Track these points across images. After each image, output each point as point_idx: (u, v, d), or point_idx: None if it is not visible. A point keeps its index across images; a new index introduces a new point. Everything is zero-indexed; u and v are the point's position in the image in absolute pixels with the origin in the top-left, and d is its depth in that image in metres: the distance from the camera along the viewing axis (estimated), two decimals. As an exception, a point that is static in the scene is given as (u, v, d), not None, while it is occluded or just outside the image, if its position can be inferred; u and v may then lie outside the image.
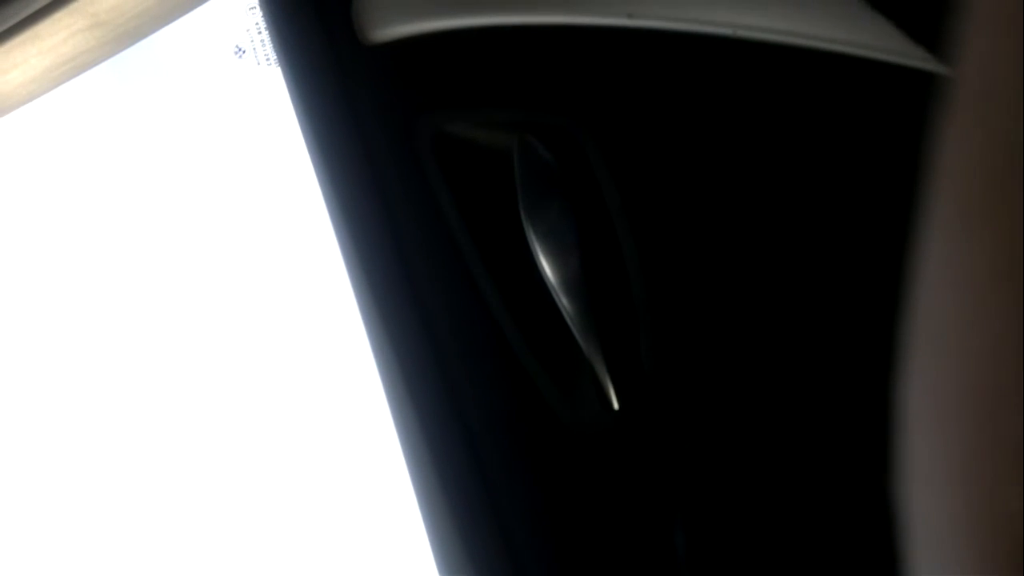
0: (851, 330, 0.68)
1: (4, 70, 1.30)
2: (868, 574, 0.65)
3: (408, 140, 0.80)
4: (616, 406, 0.74)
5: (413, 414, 0.77)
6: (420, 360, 0.78)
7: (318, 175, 0.83)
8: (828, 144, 0.69)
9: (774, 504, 0.71)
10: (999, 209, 0.20)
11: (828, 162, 0.69)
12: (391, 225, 0.79)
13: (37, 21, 1.23)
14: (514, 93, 0.78)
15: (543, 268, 0.76)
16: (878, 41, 0.55)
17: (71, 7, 1.21)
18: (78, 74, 1.36)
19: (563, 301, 0.75)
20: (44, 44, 1.27)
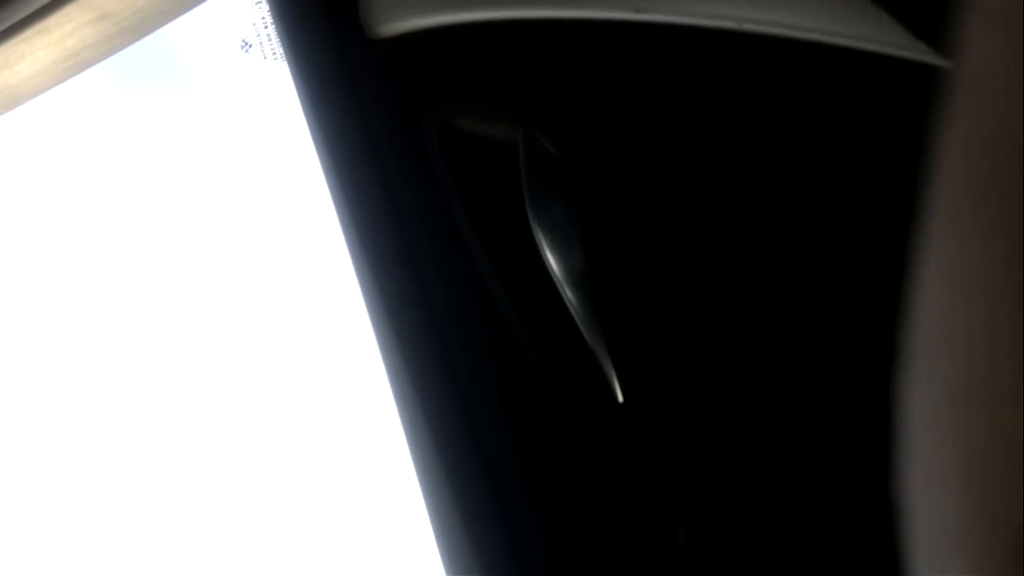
0: (852, 327, 0.68)
1: (11, 63, 1.31)
2: (868, 571, 0.65)
3: (413, 134, 0.80)
4: (621, 398, 0.74)
5: (416, 403, 0.77)
6: (425, 351, 0.78)
7: (324, 168, 0.83)
8: (832, 138, 0.68)
9: (775, 499, 0.71)
10: (1000, 206, 0.20)
11: (831, 156, 0.69)
12: (396, 218, 0.79)
13: (44, 15, 1.23)
14: (519, 87, 0.78)
15: (548, 261, 0.76)
16: (882, 35, 0.55)
17: (78, 1, 1.21)
18: (85, 68, 1.36)
19: (568, 294, 0.75)
20: (51, 37, 1.27)
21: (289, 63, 0.86)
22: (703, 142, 0.72)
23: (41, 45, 1.27)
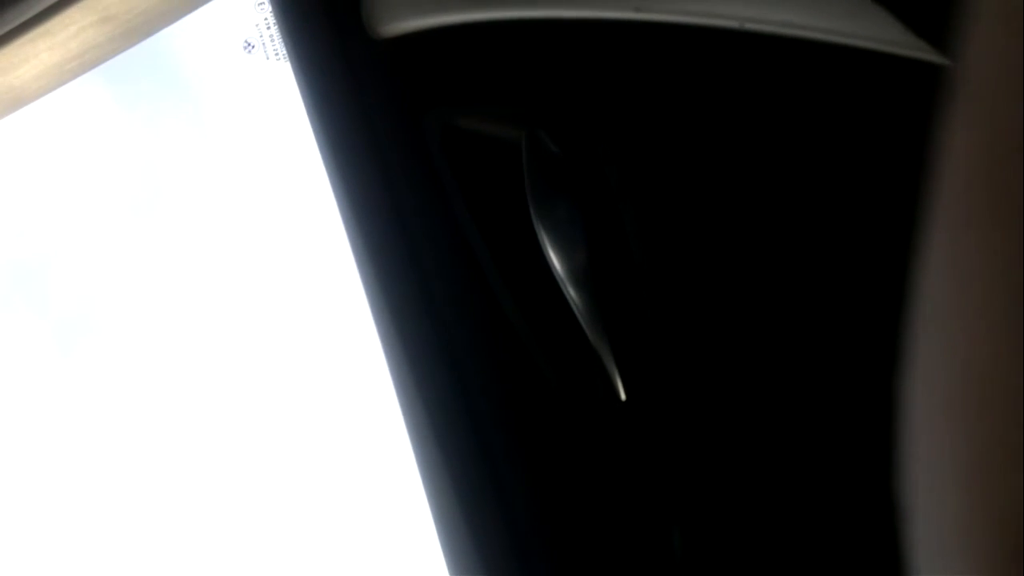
0: (853, 327, 0.68)
1: (14, 65, 1.31)
2: (870, 571, 0.65)
3: (417, 134, 0.80)
4: (623, 397, 0.75)
5: (419, 401, 0.77)
6: (428, 350, 0.78)
7: (327, 169, 0.83)
8: (833, 137, 0.68)
9: (776, 498, 0.71)
10: (1001, 205, 0.20)
11: (833, 155, 0.69)
12: (400, 218, 0.80)
13: (47, 17, 1.23)
14: (522, 87, 0.78)
15: (551, 260, 0.76)
16: (884, 34, 0.55)
17: (81, 4, 1.21)
18: (88, 70, 1.36)
19: (571, 293, 0.75)
20: (54, 39, 1.27)
21: (292, 64, 0.86)
22: (705, 142, 0.72)
23: (44, 47, 1.28)
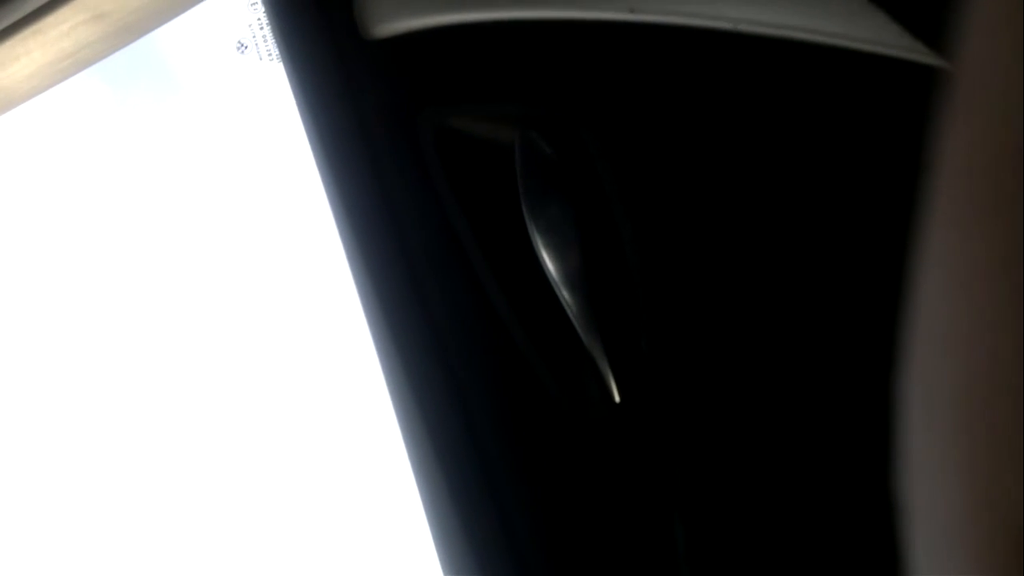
0: (852, 325, 0.68)
1: (6, 65, 1.30)
2: (868, 568, 0.65)
3: (410, 135, 0.80)
4: (617, 399, 0.74)
5: (413, 405, 0.77)
6: (422, 353, 0.78)
7: (320, 168, 0.83)
8: (830, 139, 0.69)
9: (774, 498, 0.71)
10: (999, 204, 0.20)
11: (829, 156, 0.69)
12: (393, 219, 0.79)
13: (40, 16, 1.23)
14: (515, 88, 0.78)
15: (544, 262, 0.76)
16: (879, 36, 0.55)
17: (73, 1, 1.21)
18: (81, 69, 1.35)
19: (564, 295, 0.75)
20: (46, 38, 1.27)
21: (285, 64, 0.86)
22: (700, 143, 0.72)
23: (36, 46, 1.27)
